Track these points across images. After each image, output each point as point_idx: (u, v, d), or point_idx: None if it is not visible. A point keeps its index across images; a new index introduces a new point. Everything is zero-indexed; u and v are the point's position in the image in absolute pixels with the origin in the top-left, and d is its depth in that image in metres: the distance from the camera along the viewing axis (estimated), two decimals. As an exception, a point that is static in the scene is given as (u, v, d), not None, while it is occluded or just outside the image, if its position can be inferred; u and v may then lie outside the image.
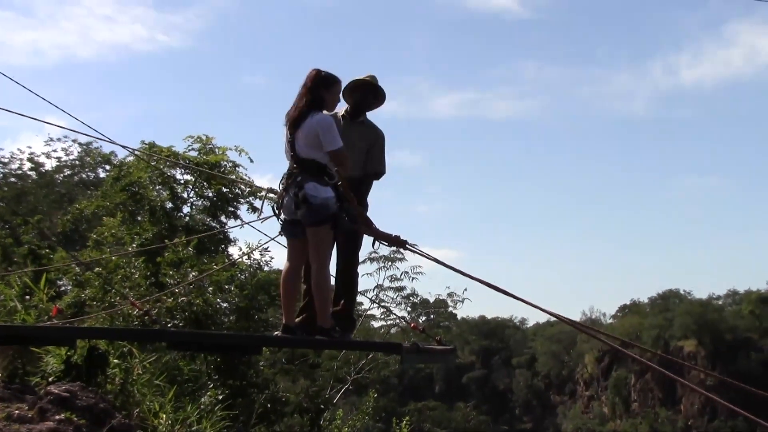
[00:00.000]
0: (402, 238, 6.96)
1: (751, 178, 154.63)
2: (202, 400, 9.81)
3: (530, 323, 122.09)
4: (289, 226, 6.81)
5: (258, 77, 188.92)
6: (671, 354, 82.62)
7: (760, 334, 77.00)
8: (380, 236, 7.00)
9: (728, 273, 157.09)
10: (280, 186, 6.83)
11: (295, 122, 6.69)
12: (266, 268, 16.14)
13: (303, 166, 6.67)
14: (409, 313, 22.23)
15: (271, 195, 8.31)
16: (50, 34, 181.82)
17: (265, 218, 7.96)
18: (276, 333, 7.07)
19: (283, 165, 7.02)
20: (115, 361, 8.06)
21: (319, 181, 6.61)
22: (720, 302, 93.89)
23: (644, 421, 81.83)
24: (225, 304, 13.44)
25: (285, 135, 6.84)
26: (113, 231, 14.54)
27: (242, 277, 13.93)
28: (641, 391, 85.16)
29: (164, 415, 7.89)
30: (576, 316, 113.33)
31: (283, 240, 7.18)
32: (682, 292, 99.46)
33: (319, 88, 6.75)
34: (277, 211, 6.90)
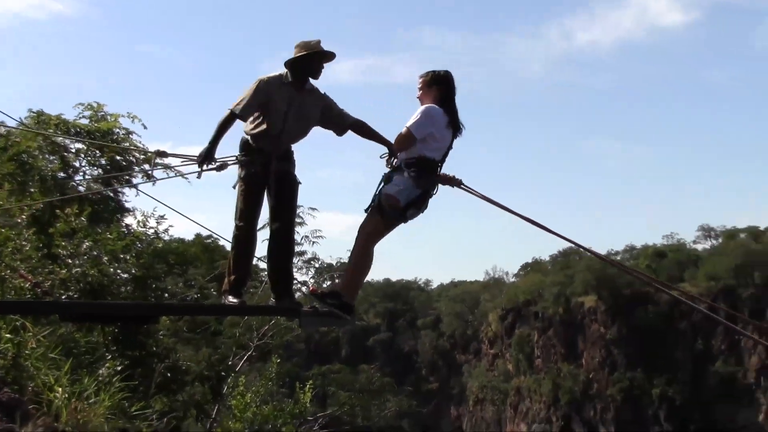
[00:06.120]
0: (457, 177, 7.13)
1: (647, 138, 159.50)
2: (100, 371, 9.64)
3: (434, 285, 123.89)
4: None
5: (152, 46, 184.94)
6: (572, 310, 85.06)
7: (656, 287, 79.52)
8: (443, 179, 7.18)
9: (625, 229, 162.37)
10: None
11: None
12: (166, 237, 15.87)
13: None
14: (313, 278, 22.13)
15: (159, 159, 8.30)
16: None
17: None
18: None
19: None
20: (7, 335, 7.86)
21: None
22: (618, 257, 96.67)
23: (547, 377, 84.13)
24: (126, 275, 13.18)
25: (445, 138, 7.07)
26: (1, 203, 14.08)
27: (139, 246, 13.68)
28: (544, 347, 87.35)
29: (60, 389, 7.72)
30: (479, 276, 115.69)
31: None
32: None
33: None
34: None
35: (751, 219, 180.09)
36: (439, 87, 7.05)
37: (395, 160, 7.21)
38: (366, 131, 7.75)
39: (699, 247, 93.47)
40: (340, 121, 7.74)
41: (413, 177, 6.81)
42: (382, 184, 7.05)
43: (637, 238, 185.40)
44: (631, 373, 76.93)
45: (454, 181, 7.04)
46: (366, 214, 7.04)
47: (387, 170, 7.23)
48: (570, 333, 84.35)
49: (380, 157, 7.43)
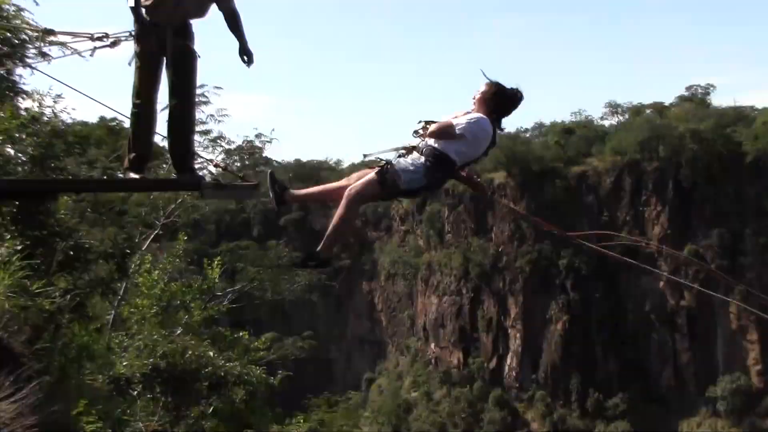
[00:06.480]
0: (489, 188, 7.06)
1: (551, 13, 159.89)
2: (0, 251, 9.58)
3: (345, 164, 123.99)
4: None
5: None
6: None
7: (565, 162, 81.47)
8: (473, 184, 7.29)
9: (534, 106, 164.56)
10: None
11: None
12: (67, 119, 15.44)
13: None
14: (223, 159, 22.01)
15: (51, 37, 8.11)
16: None
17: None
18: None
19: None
20: None
21: None
22: (528, 135, 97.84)
23: (457, 251, 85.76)
24: (23, 157, 12.85)
25: (476, 153, 6.78)
26: None
27: (36, 126, 13.34)
28: (454, 222, 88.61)
29: (-44, 270, 7.70)
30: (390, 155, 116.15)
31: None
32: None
33: None
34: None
35: (656, 95, 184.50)
36: (498, 101, 6.77)
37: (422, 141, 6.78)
38: (232, 25, 7.62)
39: (606, 123, 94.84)
40: (222, 4, 7.55)
41: (427, 167, 6.55)
42: (397, 156, 6.78)
43: (546, 116, 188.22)
44: (539, 246, 79.03)
45: (485, 191, 7.11)
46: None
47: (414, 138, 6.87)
48: (480, 208, 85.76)
49: (413, 135, 6.90)
